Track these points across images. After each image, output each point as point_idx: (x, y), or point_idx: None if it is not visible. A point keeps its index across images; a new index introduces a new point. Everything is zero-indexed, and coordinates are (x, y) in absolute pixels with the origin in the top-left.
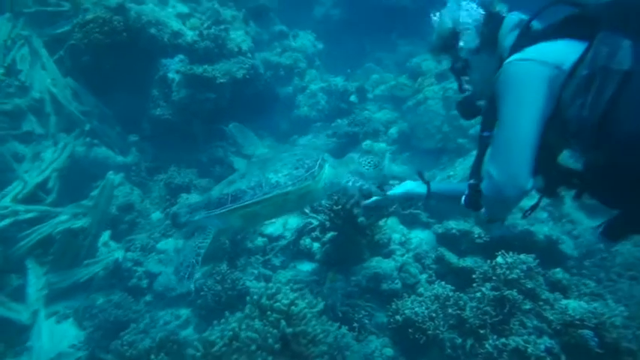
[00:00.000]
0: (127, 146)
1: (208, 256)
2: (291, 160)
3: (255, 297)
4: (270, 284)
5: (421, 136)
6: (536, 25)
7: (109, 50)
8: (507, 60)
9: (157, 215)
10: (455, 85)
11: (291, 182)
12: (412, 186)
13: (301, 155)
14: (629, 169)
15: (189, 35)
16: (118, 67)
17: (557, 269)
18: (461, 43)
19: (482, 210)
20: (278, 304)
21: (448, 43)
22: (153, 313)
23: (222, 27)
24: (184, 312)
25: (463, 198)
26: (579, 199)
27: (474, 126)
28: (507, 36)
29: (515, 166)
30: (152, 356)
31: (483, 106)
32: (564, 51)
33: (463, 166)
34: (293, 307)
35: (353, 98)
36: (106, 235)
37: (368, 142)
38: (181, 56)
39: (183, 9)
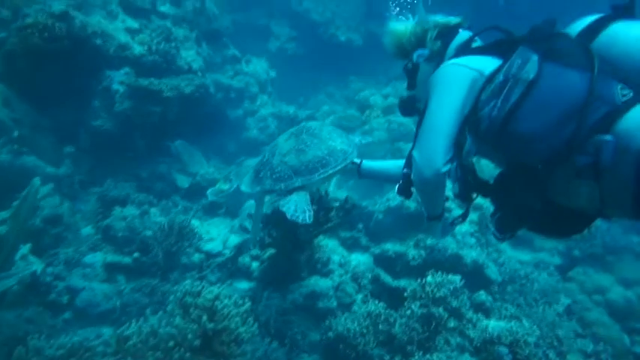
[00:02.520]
0: (61, 157)
1: (142, 271)
2: (329, 129)
3: (178, 294)
4: (197, 282)
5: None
6: (475, 44)
7: (49, 57)
8: (446, 62)
9: (87, 230)
10: (399, 119)
11: (351, 150)
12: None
13: (333, 127)
14: (519, 166)
15: (137, 49)
16: (58, 75)
17: (481, 292)
18: (420, 51)
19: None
20: (201, 299)
21: (408, 47)
22: (71, 332)
23: (173, 44)
24: (107, 331)
25: (396, 187)
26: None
27: None
28: (453, 50)
29: (431, 148)
30: None
31: (422, 108)
32: (487, 62)
33: None
34: (217, 303)
35: None
36: (25, 249)
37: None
38: (127, 69)
39: (133, 24)
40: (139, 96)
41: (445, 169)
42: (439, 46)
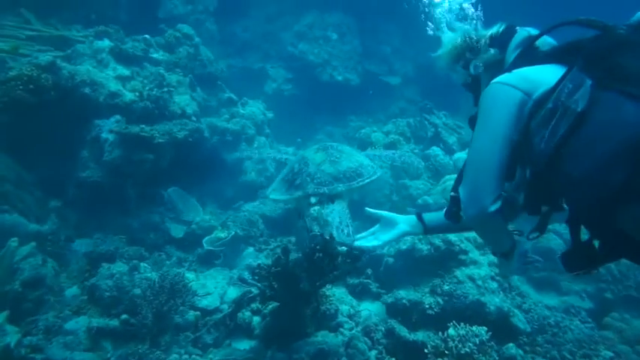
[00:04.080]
0: (46, 212)
1: (131, 334)
2: (348, 148)
3: None
4: (185, 356)
5: (371, 204)
6: (543, 44)
7: (35, 109)
8: (492, 81)
9: (73, 291)
10: (403, 156)
11: (375, 165)
12: (405, 229)
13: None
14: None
15: (128, 96)
16: (45, 127)
17: (511, 344)
18: (475, 61)
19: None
20: None
21: (466, 56)
22: None
23: (166, 89)
24: None
25: (444, 210)
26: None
27: (422, 196)
28: (512, 54)
29: (477, 185)
30: None
31: None
32: (544, 79)
33: None
34: None
35: None
36: (1, 317)
37: (316, 208)
38: (118, 117)
39: (125, 72)
40: (129, 144)
41: (494, 207)
42: (492, 53)
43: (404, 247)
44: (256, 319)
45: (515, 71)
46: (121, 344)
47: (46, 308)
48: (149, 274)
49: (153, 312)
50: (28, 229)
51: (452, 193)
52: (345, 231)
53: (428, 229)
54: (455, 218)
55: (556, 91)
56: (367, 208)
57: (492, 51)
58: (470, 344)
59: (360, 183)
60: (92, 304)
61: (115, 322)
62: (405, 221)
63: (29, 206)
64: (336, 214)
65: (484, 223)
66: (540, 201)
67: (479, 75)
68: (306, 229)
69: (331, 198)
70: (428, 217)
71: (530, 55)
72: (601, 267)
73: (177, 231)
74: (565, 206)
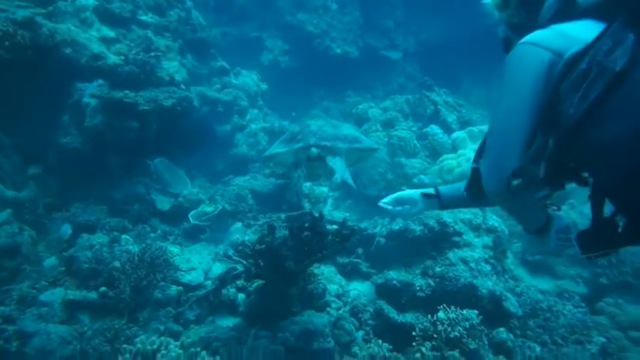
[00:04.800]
0: (24, 179)
1: (110, 308)
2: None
3: (127, 356)
4: (153, 337)
5: (365, 182)
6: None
7: (11, 68)
8: (519, 41)
9: (51, 261)
10: (400, 133)
11: (374, 141)
12: (422, 205)
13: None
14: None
15: (112, 59)
16: (23, 88)
17: (501, 329)
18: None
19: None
20: None
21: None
22: None
23: (153, 54)
24: None
25: (464, 183)
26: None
27: (418, 175)
28: (547, 12)
29: (498, 158)
30: None
31: None
32: (578, 36)
33: None
34: None
35: None
36: None
37: (307, 184)
38: (101, 81)
39: (110, 33)
40: (112, 110)
41: (516, 182)
42: (522, 14)
43: (396, 227)
44: (241, 296)
45: (544, 29)
46: (98, 318)
47: (22, 278)
48: (130, 247)
49: (131, 286)
50: (4, 195)
51: (473, 165)
52: (350, 181)
53: (444, 204)
54: (475, 193)
55: (592, 49)
56: (379, 201)
57: (522, 11)
58: (459, 328)
59: (360, 146)
60: (69, 276)
61: (93, 295)
62: (420, 202)
63: (6, 171)
64: (339, 165)
65: (506, 198)
66: (563, 174)
67: (509, 37)
68: (302, 177)
69: (332, 154)
70: (444, 190)
71: (566, 11)
72: (621, 249)
73: (163, 203)
74: (590, 180)
